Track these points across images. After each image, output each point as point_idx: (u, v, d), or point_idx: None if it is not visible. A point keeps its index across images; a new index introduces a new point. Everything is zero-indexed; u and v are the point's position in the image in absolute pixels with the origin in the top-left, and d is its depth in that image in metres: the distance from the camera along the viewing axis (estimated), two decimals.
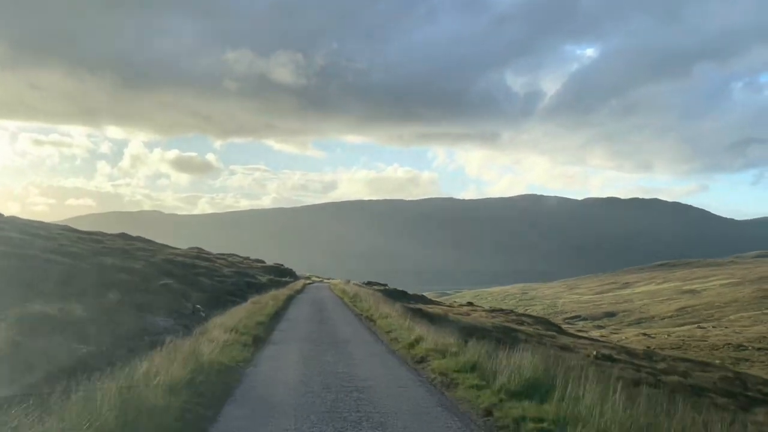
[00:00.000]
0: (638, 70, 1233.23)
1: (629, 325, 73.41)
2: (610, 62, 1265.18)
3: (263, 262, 65.14)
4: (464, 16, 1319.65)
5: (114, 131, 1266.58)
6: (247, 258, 62.34)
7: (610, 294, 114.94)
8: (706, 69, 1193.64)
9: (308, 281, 64.59)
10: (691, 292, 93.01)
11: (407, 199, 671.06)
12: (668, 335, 53.35)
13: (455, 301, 74.39)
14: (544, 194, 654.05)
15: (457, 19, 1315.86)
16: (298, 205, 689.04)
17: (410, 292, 77.23)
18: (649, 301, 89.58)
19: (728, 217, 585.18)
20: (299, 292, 37.50)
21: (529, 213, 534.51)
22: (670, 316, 74.53)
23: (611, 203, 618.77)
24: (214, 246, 79.23)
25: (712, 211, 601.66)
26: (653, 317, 76.29)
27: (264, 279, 40.47)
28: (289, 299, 28.78)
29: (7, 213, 41.15)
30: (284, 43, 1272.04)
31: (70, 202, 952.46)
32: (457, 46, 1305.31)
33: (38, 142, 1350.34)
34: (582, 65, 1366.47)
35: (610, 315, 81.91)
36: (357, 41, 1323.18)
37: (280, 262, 79.15)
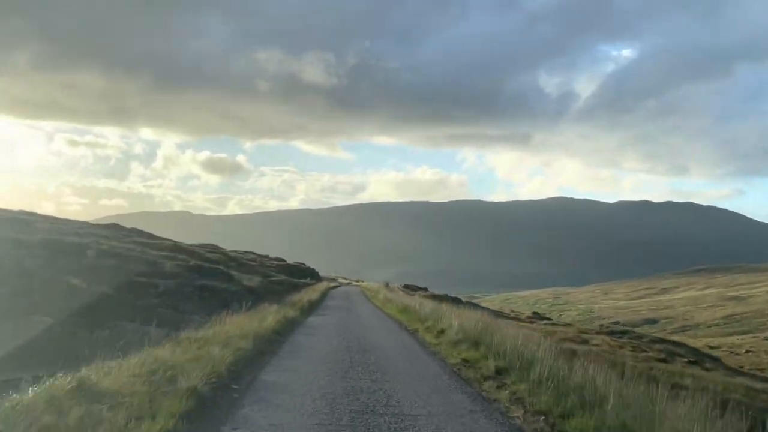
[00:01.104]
0: (676, 70, 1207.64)
1: (673, 332, 69.59)
2: (647, 62, 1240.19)
3: (283, 260, 61.25)
4: (497, 15, 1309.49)
5: (147, 132, 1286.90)
6: (266, 256, 58.53)
7: (647, 299, 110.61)
8: (746, 69, 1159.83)
9: (333, 284, 59.05)
10: (737, 298, 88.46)
11: (435, 201, 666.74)
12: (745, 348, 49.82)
13: (512, 310, 71.74)
14: (575, 197, 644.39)
15: (490, 18, 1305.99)
16: (326, 206, 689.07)
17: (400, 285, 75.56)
18: (693, 308, 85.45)
19: (765, 221, 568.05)
20: (313, 308, 23.46)
21: (559, 216, 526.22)
22: (717, 324, 70.55)
23: (643, 206, 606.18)
24: (240, 246, 77.66)
25: (748, 216, 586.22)
26: (698, 324, 72.41)
27: (276, 279, 36.90)
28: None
29: (41, 212, 39.85)
30: (315, 42, 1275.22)
31: (104, 202, 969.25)
32: (489, 46, 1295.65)
33: (73, 143, 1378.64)
34: (618, 65, 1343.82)
35: (652, 321, 78.09)
36: (388, 41, 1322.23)
37: (307, 262, 76.96)
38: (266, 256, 55.69)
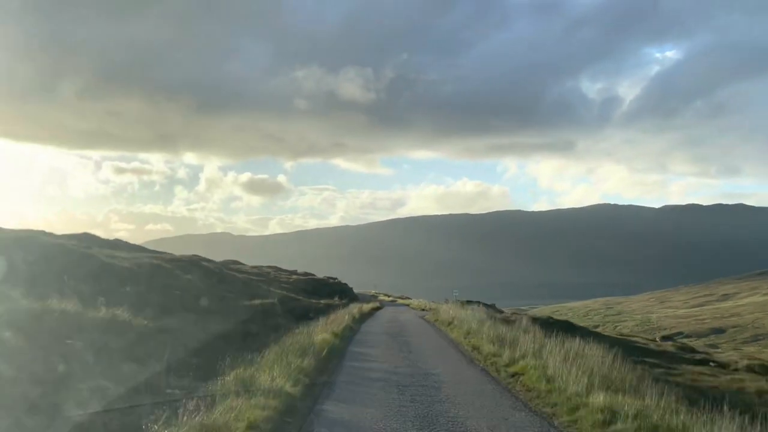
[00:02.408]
0: (724, 68, 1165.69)
1: (745, 342, 63.96)
2: (695, 62, 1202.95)
3: (311, 275, 57.38)
4: (538, 22, 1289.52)
5: (190, 157, 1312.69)
6: (293, 271, 54.92)
7: (709, 307, 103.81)
8: None
9: (372, 304, 46.10)
10: None
11: (475, 213, 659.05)
12: None
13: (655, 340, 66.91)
14: (619, 203, 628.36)
15: (531, 25, 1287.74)
16: (365, 222, 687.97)
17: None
18: (762, 315, 78.97)
19: None
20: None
21: (604, 223, 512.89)
22: None
23: (691, 210, 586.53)
24: (281, 265, 75.28)
25: None
26: None
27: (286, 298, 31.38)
28: None
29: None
30: (353, 58, 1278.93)
31: (150, 227, 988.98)
32: (530, 53, 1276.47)
33: (120, 170, 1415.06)
34: (664, 67, 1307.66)
35: (719, 331, 72.18)
36: (427, 52, 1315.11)
37: (345, 278, 73.75)
38: (294, 271, 52.24)
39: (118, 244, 36.92)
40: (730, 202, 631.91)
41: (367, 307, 38.60)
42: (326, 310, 27.69)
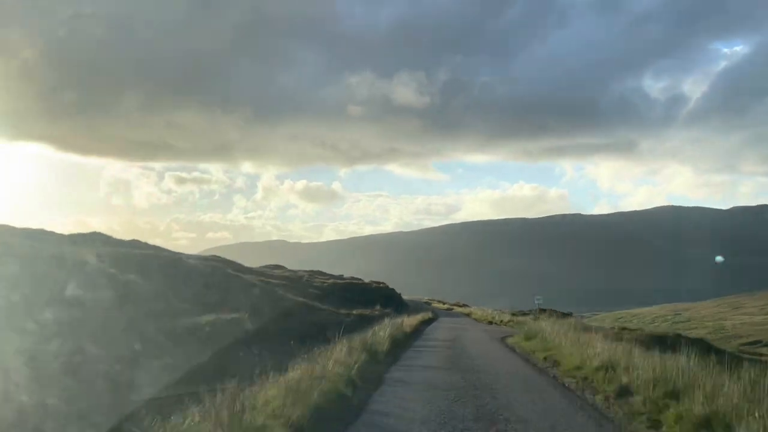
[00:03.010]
0: None
1: None
2: (764, 56, 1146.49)
3: (359, 280, 52.91)
4: (599, 18, 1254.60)
5: (247, 166, 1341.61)
6: (339, 276, 50.51)
7: None
8: None
9: (426, 315, 38.50)
10: None
11: (533, 217, 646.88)
12: None
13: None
14: (684, 205, 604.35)
15: (592, 22, 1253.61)
16: (418, 228, 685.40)
17: (525, 310, 67.59)
18: None
19: None
20: None
21: (667, 226, 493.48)
22: None
23: (762, 211, 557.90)
24: (334, 271, 74.09)
25: None
26: None
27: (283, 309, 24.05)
28: None
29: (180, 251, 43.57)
30: (406, 62, 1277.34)
31: (210, 236, 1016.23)
32: (589, 52, 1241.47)
33: (181, 180, 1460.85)
34: (731, 62, 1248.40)
35: None
36: (481, 54, 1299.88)
37: (400, 286, 71.41)
38: (336, 276, 49.56)
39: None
40: None
41: (413, 321, 29.78)
42: (357, 325, 20.92)
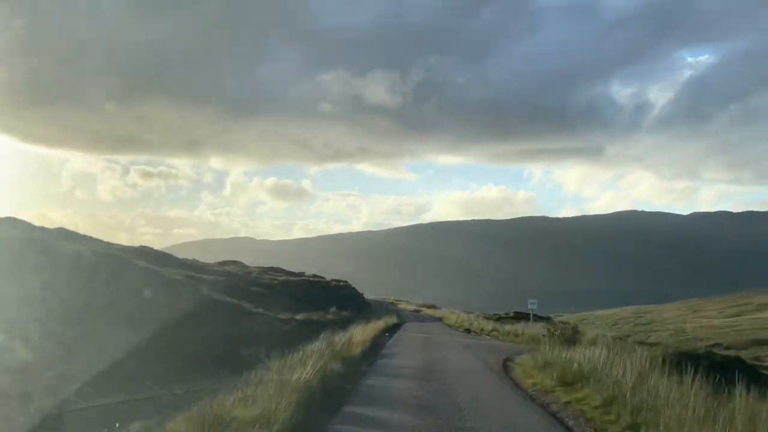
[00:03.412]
0: (761, 72, 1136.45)
1: None
2: (730, 66, 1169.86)
3: (320, 278, 48.71)
4: (572, 24, 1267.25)
5: (216, 161, 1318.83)
6: (300, 273, 46.97)
7: (745, 317, 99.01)
8: None
9: (390, 321, 33.33)
10: None
11: (499, 218, 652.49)
12: None
13: None
14: (647, 210, 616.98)
15: (563, 29, 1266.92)
16: (387, 227, 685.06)
17: (501, 313, 66.26)
18: None
19: None
20: None
21: (630, 230, 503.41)
22: None
23: (721, 217, 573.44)
24: (298, 269, 72.71)
25: None
26: None
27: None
28: None
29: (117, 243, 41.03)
30: (380, 61, 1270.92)
31: (176, 231, 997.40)
32: (561, 57, 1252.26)
33: (147, 175, 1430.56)
34: (697, 71, 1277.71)
35: (761, 343, 68.09)
36: (455, 56, 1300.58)
37: (367, 285, 70.36)
38: (299, 273, 47.31)
39: None
40: (762, 209, 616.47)
41: (370, 332, 23.25)
42: (296, 336, 16.52)
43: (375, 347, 20.92)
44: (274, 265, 58.96)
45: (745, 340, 69.91)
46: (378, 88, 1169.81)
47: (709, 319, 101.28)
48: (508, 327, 34.02)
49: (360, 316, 32.48)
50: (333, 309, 31.19)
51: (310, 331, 18.81)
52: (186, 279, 24.05)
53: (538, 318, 57.17)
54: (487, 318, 47.83)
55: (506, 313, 60.30)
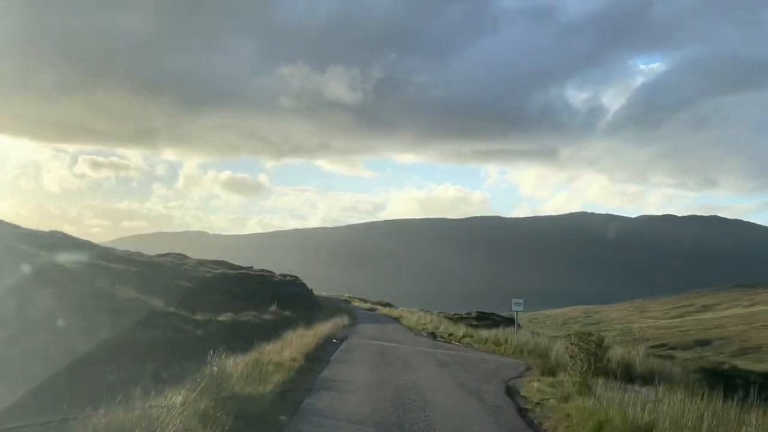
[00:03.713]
0: (710, 81, 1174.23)
1: (734, 356, 61.58)
2: (681, 74, 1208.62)
3: (269, 273, 46.82)
4: (530, 28, 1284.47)
5: (170, 153, 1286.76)
6: (221, 263, 41.04)
7: (689, 318, 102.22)
8: None
9: (340, 322, 30.58)
10: None
11: (454, 217, 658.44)
12: None
13: None
14: (597, 212, 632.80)
15: (523, 32, 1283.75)
16: (344, 224, 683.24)
17: (462, 313, 64.41)
18: (746, 327, 77.16)
19: None
20: None
21: (581, 231, 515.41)
22: None
23: (667, 220, 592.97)
24: (250, 264, 70.93)
25: None
26: (761, 347, 64.25)
27: None
28: None
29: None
30: (341, 56, 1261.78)
31: (125, 224, 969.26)
32: (520, 60, 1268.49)
33: (96, 165, 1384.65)
34: (649, 78, 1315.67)
35: (704, 343, 70.00)
36: (416, 55, 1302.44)
37: (322, 282, 69.26)
38: (248, 267, 44.13)
39: None
40: (705, 214, 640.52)
41: (310, 340, 19.01)
42: (204, 348, 10.82)
43: (312, 366, 15.27)
44: (229, 261, 57.25)
45: (689, 341, 71.82)
46: (338, 84, 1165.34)
47: (655, 320, 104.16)
48: (484, 333, 28.24)
49: (306, 317, 28.36)
50: (273, 308, 27.45)
51: (233, 336, 15.95)
52: (84, 268, 19.20)
53: (483, 316, 56.48)
54: (449, 318, 45.38)
55: (468, 313, 59.12)
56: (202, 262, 38.52)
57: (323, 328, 24.16)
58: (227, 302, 25.42)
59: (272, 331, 18.86)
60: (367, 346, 22.47)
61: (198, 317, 18.33)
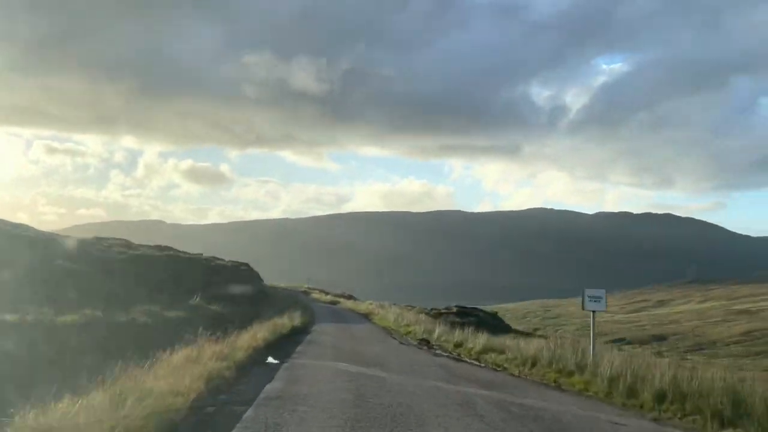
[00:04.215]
0: (672, 83, 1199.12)
1: (689, 351, 62.56)
2: (641, 75, 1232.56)
3: (215, 259, 42.41)
4: (498, 25, 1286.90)
5: (129, 140, 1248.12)
6: (154, 248, 35.50)
7: (645, 313, 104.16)
8: (742, 82, 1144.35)
9: (293, 319, 24.17)
10: (747, 312, 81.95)
11: (416, 211, 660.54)
12: None
13: None
14: (556, 208, 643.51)
15: (491, 29, 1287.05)
16: (306, 216, 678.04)
17: (415, 305, 60.19)
18: (700, 323, 78.67)
19: (743, 233, 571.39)
20: None
21: (539, 226, 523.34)
22: (737, 342, 63.66)
23: (623, 218, 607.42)
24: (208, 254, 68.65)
25: (727, 228, 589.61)
26: (715, 342, 65.43)
27: None
28: None
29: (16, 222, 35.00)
30: (307, 46, 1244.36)
31: (81, 212, 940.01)
32: (486, 56, 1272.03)
33: (52, 150, 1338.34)
34: (611, 78, 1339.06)
35: (660, 339, 71.06)
36: (384, 47, 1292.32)
37: (284, 273, 67.56)
38: (181, 252, 38.61)
39: None
40: (659, 212, 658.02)
41: (219, 364, 11.23)
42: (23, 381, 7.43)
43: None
44: (185, 250, 54.93)
45: (646, 336, 72.84)
46: (304, 75, 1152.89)
47: (612, 314, 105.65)
48: (508, 342, 19.65)
49: (245, 313, 22.82)
50: (196, 300, 21.70)
51: (71, 352, 11.62)
52: None
53: (465, 312, 52.23)
54: (427, 314, 40.88)
55: (447, 308, 53.31)
56: (131, 246, 34.15)
57: (261, 332, 17.62)
58: (132, 291, 21.11)
59: (167, 338, 12.24)
60: (326, 372, 13.24)
61: (65, 317, 13.08)
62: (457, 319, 36.34)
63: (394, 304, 49.07)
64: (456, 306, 54.47)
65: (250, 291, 32.17)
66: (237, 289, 28.95)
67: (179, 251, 39.23)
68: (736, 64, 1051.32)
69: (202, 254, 44.62)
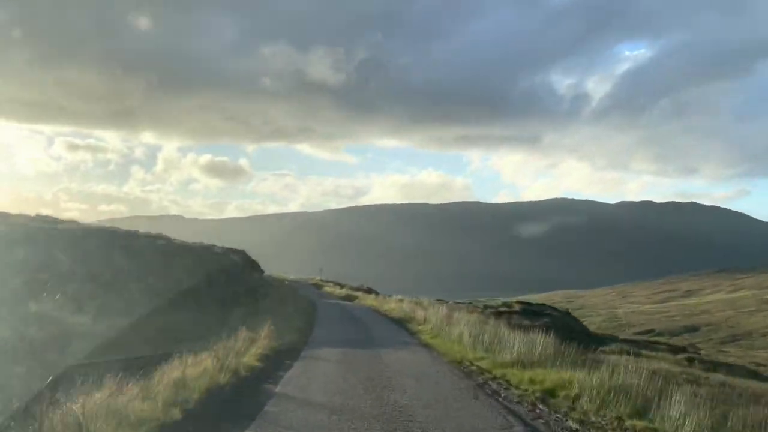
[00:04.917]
0: (693, 69, 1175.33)
1: (724, 342, 59.74)
2: (665, 61, 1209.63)
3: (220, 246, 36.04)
4: (517, 12, 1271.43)
5: (148, 136, 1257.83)
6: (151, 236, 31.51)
7: (674, 303, 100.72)
8: (766, 68, 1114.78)
9: (273, 342, 14.28)
10: None
11: (435, 203, 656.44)
12: None
13: None
14: (577, 198, 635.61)
15: (510, 16, 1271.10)
16: (324, 209, 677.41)
17: (448, 300, 57.27)
18: (733, 313, 75.52)
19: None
20: None
21: (560, 217, 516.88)
22: None
23: (645, 207, 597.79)
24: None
25: (753, 216, 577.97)
26: (751, 333, 62.42)
27: None
28: None
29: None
30: (325, 36, 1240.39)
31: (102, 208, 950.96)
32: (506, 44, 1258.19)
33: (73, 147, 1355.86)
34: (634, 65, 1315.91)
35: (692, 330, 68.05)
36: (401, 37, 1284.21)
37: (300, 266, 65.37)
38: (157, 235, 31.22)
39: None
40: (683, 201, 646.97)
41: None
42: None
43: None
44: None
45: (676, 327, 69.86)
46: (321, 65, 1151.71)
47: (639, 305, 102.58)
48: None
49: (199, 324, 16.47)
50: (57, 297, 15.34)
51: None
52: None
53: (530, 309, 42.52)
54: (481, 314, 30.30)
55: (506, 305, 40.26)
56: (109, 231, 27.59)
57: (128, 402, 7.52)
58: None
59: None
60: None
61: None
62: (525, 321, 27.60)
63: (438, 301, 39.98)
64: (518, 302, 43.84)
65: (234, 285, 25.56)
66: (212, 282, 21.92)
67: (169, 237, 33.26)
68: (762, 49, 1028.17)
69: (202, 243, 39.74)
